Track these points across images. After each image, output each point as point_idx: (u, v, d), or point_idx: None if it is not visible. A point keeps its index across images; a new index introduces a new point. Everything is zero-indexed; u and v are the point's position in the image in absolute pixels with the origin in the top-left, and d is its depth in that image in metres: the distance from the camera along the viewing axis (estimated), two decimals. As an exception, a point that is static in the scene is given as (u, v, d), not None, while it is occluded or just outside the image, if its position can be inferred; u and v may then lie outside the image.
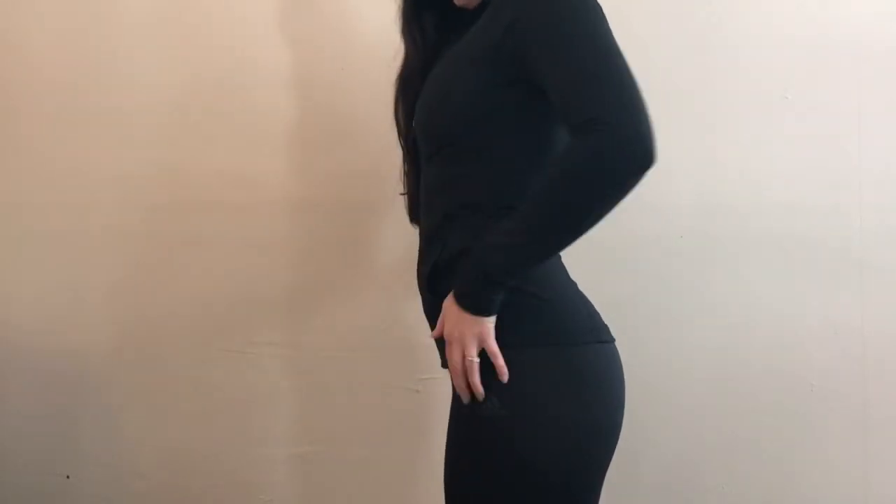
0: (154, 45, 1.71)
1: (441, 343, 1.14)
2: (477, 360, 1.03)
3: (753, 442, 1.57)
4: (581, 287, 1.13)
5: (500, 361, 1.02)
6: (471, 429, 1.06)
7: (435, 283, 1.12)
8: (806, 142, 1.55)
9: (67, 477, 1.75)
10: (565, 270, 1.13)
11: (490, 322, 1.03)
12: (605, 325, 1.11)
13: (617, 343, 1.10)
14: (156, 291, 1.72)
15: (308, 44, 1.67)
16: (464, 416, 1.08)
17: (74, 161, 1.73)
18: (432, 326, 1.17)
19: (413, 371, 1.64)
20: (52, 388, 1.75)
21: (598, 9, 1.02)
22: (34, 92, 1.74)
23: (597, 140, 0.93)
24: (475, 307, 1.02)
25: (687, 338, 1.58)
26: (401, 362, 1.64)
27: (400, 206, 1.37)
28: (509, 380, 1.02)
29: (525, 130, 1.08)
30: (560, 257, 1.13)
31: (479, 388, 1.03)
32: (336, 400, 1.68)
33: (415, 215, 1.29)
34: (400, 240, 1.64)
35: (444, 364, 1.16)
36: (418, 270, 1.18)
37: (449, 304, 1.05)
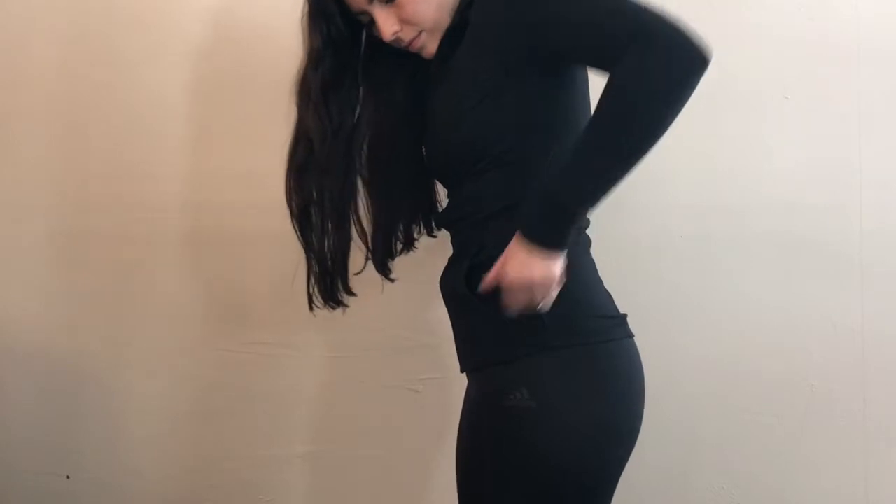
0: (154, 44, 1.71)
1: (461, 343, 1.14)
2: (546, 308, 0.99)
3: (753, 442, 1.57)
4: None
5: (553, 294, 0.99)
6: (495, 419, 1.06)
7: (474, 281, 1.09)
8: (806, 142, 1.55)
9: (67, 477, 1.75)
10: (594, 265, 1.14)
11: (560, 261, 0.98)
12: (626, 320, 1.12)
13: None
14: (155, 291, 1.72)
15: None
16: (488, 406, 1.07)
17: (74, 162, 1.73)
18: (455, 326, 1.18)
19: (413, 371, 1.64)
20: (52, 388, 1.76)
21: None
22: (33, 92, 1.74)
23: (652, 46, 0.91)
24: (548, 240, 0.97)
25: (686, 338, 1.58)
26: (401, 362, 1.64)
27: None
28: (539, 375, 1.02)
29: (550, 126, 1.07)
30: (590, 252, 1.14)
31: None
32: (336, 400, 1.68)
33: (328, 297, 1.30)
34: (400, 240, 1.64)
35: (463, 369, 1.16)
36: (448, 273, 1.18)
37: (513, 247, 0.99)
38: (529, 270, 0.98)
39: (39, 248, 1.74)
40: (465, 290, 1.10)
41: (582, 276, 1.08)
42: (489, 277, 1.02)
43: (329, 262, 1.25)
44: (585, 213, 0.99)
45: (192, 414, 1.72)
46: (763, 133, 1.56)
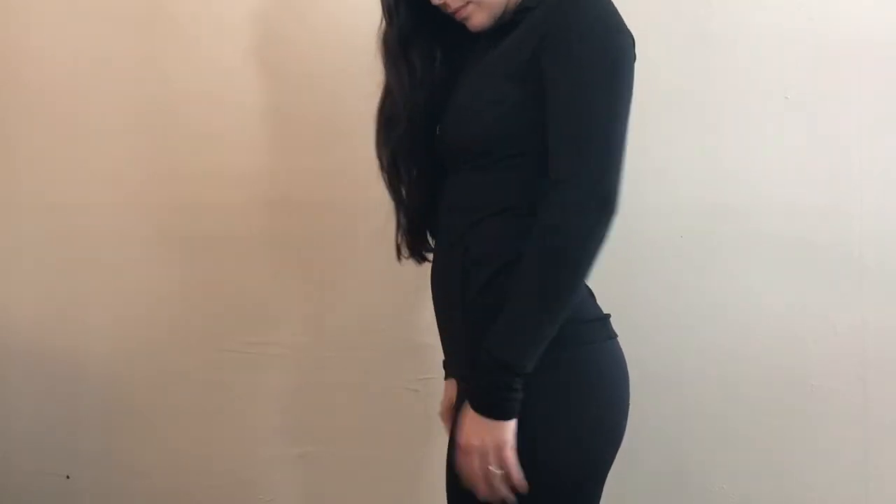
0: (153, 45, 1.71)
1: (449, 346, 1.14)
2: (500, 471, 1.01)
3: (753, 442, 1.57)
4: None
5: (518, 476, 1.01)
6: None
7: (464, 281, 1.10)
8: (806, 142, 1.55)
9: (67, 477, 1.75)
10: None
11: (510, 428, 1.00)
12: (609, 320, 1.12)
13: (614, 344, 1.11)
14: (155, 291, 1.72)
15: (306, 43, 1.67)
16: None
17: (74, 162, 1.73)
18: (441, 328, 1.18)
19: (413, 371, 1.64)
20: (52, 388, 1.75)
21: (626, 55, 1.04)
22: (33, 92, 1.74)
23: (571, 200, 0.99)
24: (496, 410, 1.00)
25: (687, 338, 1.58)
26: (401, 362, 1.64)
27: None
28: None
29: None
30: None
31: (510, 496, 1.02)
32: (336, 400, 1.68)
33: (414, 250, 1.28)
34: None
35: (449, 375, 1.16)
36: (437, 272, 1.18)
37: (466, 412, 1.03)
38: (480, 436, 1.00)
39: (39, 248, 1.74)
40: (458, 292, 1.10)
41: None
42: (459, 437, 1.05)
43: (415, 214, 1.25)
44: (530, 367, 1.00)
45: (192, 414, 1.72)
46: (763, 133, 1.56)
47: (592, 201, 0.98)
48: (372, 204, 1.64)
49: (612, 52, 1.02)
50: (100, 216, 1.72)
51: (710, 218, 1.57)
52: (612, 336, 1.12)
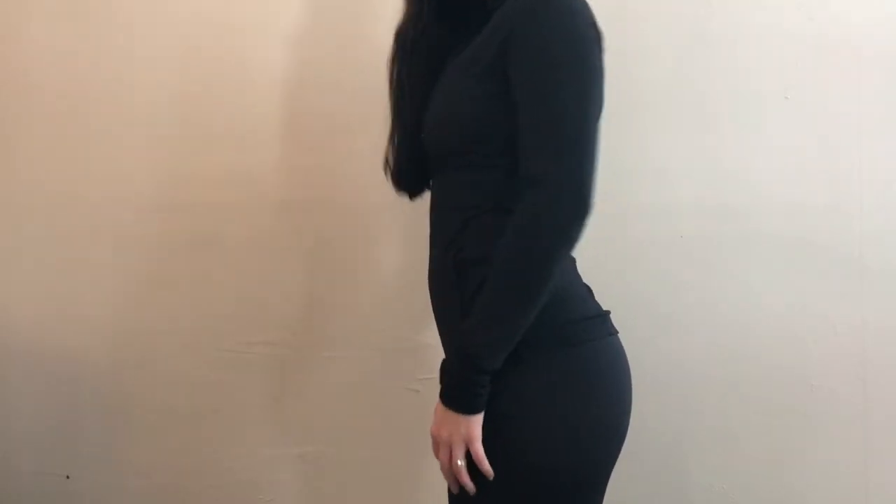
0: (153, 45, 1.71)
1: (447, 347, 1.15)
2: (463, 463, 1.02)
3: (753, 441, 1.57)
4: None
5: (485, 466, 1.01)
6: (492, 427, 1.04)
7: (461, 281, 1.09)
8: (806, 142, 1.55)
9: (67, 477, 1.75)
10: (571, 260, 1.12)
11: (477, 421, 1.01)
12: (609, 317, 1.11)
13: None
14: (155, 291, 1.72)
15: (306, 43, 1.67)
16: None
17: (74, 161, 1.73)
18: (440, 328, 1.18)
19: (413, 371, 1.64)
20: (52, 388, 1.75)
21: (593, 51, 1.02)
22: (33, 93, 1.74)
23: (544, 200, 0.97)
24: (463, 404, 1.01)
25: (687, 337, 1.58)
26: (401, 362, 1.64)
27: (400, 205, 1.36)
28: (515, 381, 1.02)
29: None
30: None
31: (471, 486, 1.03)
32: (336, 400, 1.68)
33: (402, 184, 1.27)
34: (400, 239, 1.64)
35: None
36: (434, 273, 1.18)
37: (437, 405, 1.04)
38: (448, 428, 1.02)
39: (39, 248, 1.74)
40: (453, 292, 1.10)
41: None
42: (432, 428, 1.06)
43: (407, 140, 1.23)
44: (497, 363, 1.01)
45: (192, 414, 1.71)
46: (763, 133, 1.56)
47: (566, 201, 0.97)
48: (373, 204, 1.65)
49: (580, 48, 1.01)
50: (100, 216, 1.72)
51: (710, 218, 1.57)
52: (612, 333, 1.11)
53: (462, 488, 1.05)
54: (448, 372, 1.03)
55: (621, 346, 1.11)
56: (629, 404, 1.10)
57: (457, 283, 1.09)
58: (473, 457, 1.01)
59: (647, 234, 1.57)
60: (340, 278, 1.68)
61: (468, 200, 1.10)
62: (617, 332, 1.11)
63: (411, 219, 1.19)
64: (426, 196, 1.26)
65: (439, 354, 1.26)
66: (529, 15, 1.01)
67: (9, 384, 1.76)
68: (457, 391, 1.01)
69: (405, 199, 1.32)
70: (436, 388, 1.05)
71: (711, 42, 1.57)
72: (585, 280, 1.13)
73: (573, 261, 1.12)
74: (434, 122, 1.15)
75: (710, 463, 1.58)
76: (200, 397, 1.71)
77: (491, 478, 1.02)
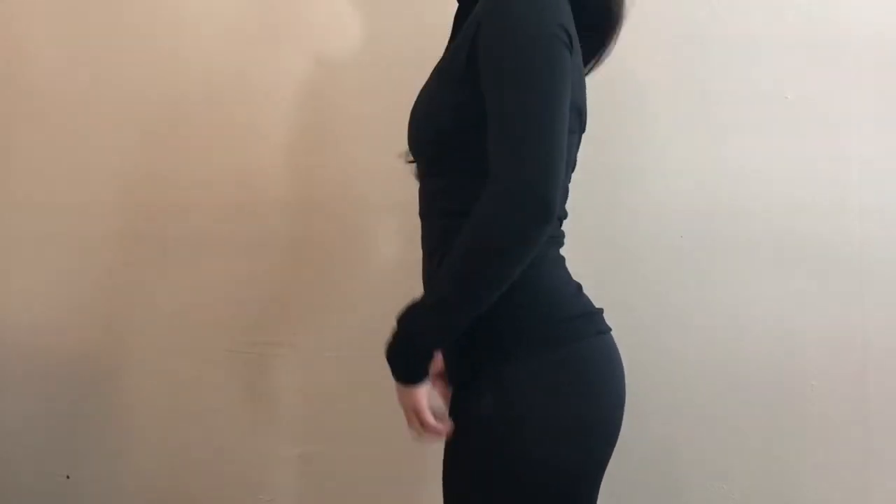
0: (152, 46, 1.71)
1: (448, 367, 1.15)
2: (421, 432, 1.07)
3: (753, 441, 1.57)
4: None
5: (435, 429, 1.05)
6: (468, 431, 1.05)
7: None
8: (806, 142, 1.55)
9: (67, 477, 1.75)
10: (559, 262, 1.12)
11: (420, 391, 1.05)
12: (601, 314, 1.11)
13: (616, 343, 1.10)
14: (155, 291, 1.72)
15: (307, 45, 1.67)
16: (461, 418, 1.07)
17: (74, 161, 1.73)
18: None
19: (413, 371, 1.64)
20: (52, 388, 1.75)
21: (560, 51, 0.98)
22: (33, 93, 1.74)
23: (501, 197, 0.94)
24: (403, 375, 1.05)
25: (686, 337, 1.58)
26: (401, 362, 1.64)
27: (401, 206, 1.36)
28: (505, 382, 1.02)
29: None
30: (557, 252, 1.12)
31: (444, 436, 1.07)
32: (336, 400, 1.68)
33: None
34: (399, 239, 1.64)
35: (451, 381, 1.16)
36: (425, 279, 1.18)
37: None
38: (402, 400, 1.07)
39: (39, 248, 1.74)
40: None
41: (537, 282, 1.05)
42: None
43: None
44: (438, 346, 1.04)
45: (192, 414, 1.72)
46: (763, 133, 1.56)
47: (526, 203, 0.93)
48: (373, 204, 1.65)
49: (544, 47, 0.97)
50: (100, 216, 1.72)
51: (710, 218, 1.57)
52: (603, 331, 1.09)
53: (453, 472, 1.07)
54: (390, 345, 1.05)
55: (613, 344, 1.09)
56: (622, 402, 1.08)
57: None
58: (423, 423, 1.06)
59: (647, 234, 1.57)
60: (340, 278, 1.68)
61: (446, 208, 1.09)
62: (608, 330, 1.10)
63: (411, 219, 1.19)
64: None
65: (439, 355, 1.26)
66: (493, 14, 0.99)
67: (9, 384, 1.76)
68: (398, 363, 1.05)
69: (405, 200, 1.31)
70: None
71: (711, 42, 1.57)
72: (585, 279, 1.13)
73: (562, 259, 1.12)
74: (411, 130, 1.14)
75: (710, 463, 1.58)
76: (201, 397, 1.71)
77: (442, 436, 1.06)
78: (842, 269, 1.54)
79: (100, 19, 1.72)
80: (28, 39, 1.74)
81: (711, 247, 1.57)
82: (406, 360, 1.04)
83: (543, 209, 0.93)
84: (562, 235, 1.14)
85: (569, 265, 1.13)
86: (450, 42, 1.21)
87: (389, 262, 1.65)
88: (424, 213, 1.16)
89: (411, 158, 1.20)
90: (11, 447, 1.77)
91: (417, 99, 1.15)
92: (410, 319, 1.03)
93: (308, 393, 1.69)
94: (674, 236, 1.58)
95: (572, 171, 1.16)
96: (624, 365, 1.09)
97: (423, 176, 1.16)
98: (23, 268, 1.75)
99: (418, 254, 1.34)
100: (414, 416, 1.06)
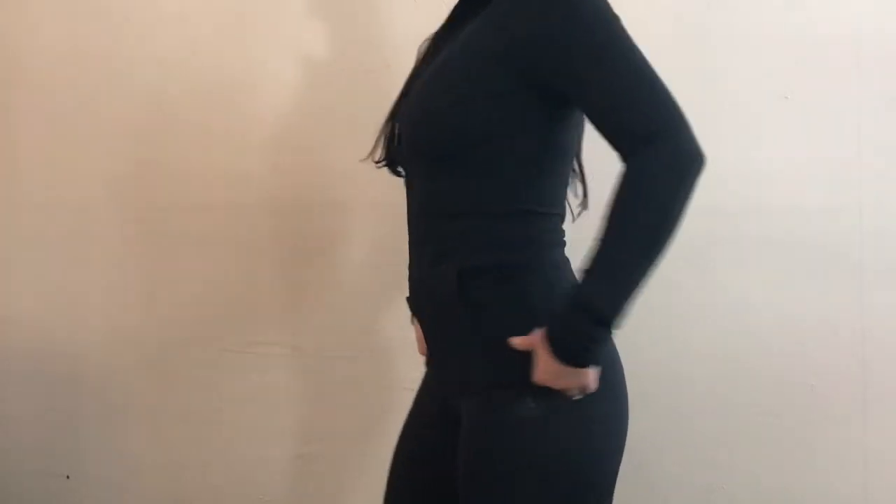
0: (152, 46, 1.71)
1: (444, 359, 1.14)
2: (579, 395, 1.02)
3: (753, 442, 1.57)
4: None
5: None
6: (504, 433, 1.05)
7: (465, 292, 1.06)
8: (806, 142, 1.55)
9: (67, 477, 1.75)
10: (569, 261, 1.13)
11: (592, 372, 1.01)
12: None
13: (616, 342, 1.11)
14: (155, 292, 1.72)
15: (304, 45, 1.67)
16: (494, 422, 1.06)
17: (74, 161, 1.73)
18: (434, 339, 1.16)
19: (413, 371, 1.64)
20: (52, 388, 1.76)
21: (616, 17, 1.01)
22: (33, 93, 1.74)
23: (666, 152, 0.97)
24: (579, 358, 0.99)
25: (686, 338, 1.58)
26: (401, 362, 1.64)
27: (401, 206, 1.36)
28: (536, 386, 1.02)
29: (535, 136, 1.05)
30: (562, 253, 1.13)
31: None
32: (336, 400, 1.68)
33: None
34: (401, 240, 1.64)
35: (448, 389, 1.15)
36: (421, 283, 1.13)
37: (545, 357, 1.00)
38: (565, 381, 1.00)
39: (39, 247, 1.74)
40: (459, 305, 1.07)
41: (559, 287, 1.07)
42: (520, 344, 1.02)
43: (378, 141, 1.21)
44: (620, 320, 0.99)
45: (191, 414, 1.72)
46: (763, 133, 1.56)
47: (686, 150, 0.98)
48: (373, 204, 1.65)
49: (615, 22, 1.01)
50: (100, 216, 1.72)
51: (709, 218, 1.57)
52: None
53: (495, 486, 1.05)
54: (563, 327, 0.99)
55: (615, 350, 1.11)
56: (628, 398, 1.11)
57: (460, 293, 1.06)
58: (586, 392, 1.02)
59: (647, 234, 1.57)
60: (340, 279, 1.68)
61: (465, 208, 1.07)
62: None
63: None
64: None
65: (439, 354, 1.26)
66: (552, 18, 0.99)
67: (9, 384, 1.77)
68: (575, 346, 0.99)
69: (405, 200, 1.31)
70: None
71: (710, 42, 1.57)
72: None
73: (567, 260, 1.12)
74: (422, 122, 1.08)
75: (710, 462, 1.58)
76: (201, 397, 1.71)
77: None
78: (842, 269, 1.54)
79: (101, 19, 1.72)
80: (28, 40, 1.74)
81: (711, 247, 1.57)
82: (588, 343, 0.98)
83: (701, 154, 0.99)
84: (563, 234, 1.14)
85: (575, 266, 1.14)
86: (438, 39, 1.18)
87: (390, 262, 1.65)
88: (425, 214, 1.12)
89: (382, 161, 1.18)
90: (12, 447, 1.77)
91: (426, 98, 1.08)
92: (599, 297, 0.98)
93: (308, 393, 1.69)
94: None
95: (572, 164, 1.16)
96: (624, 364, 1.10)
97: (425, 176, 1.11)
98: (23, 268, 1.75)
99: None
100: (579, 390, 1.01)
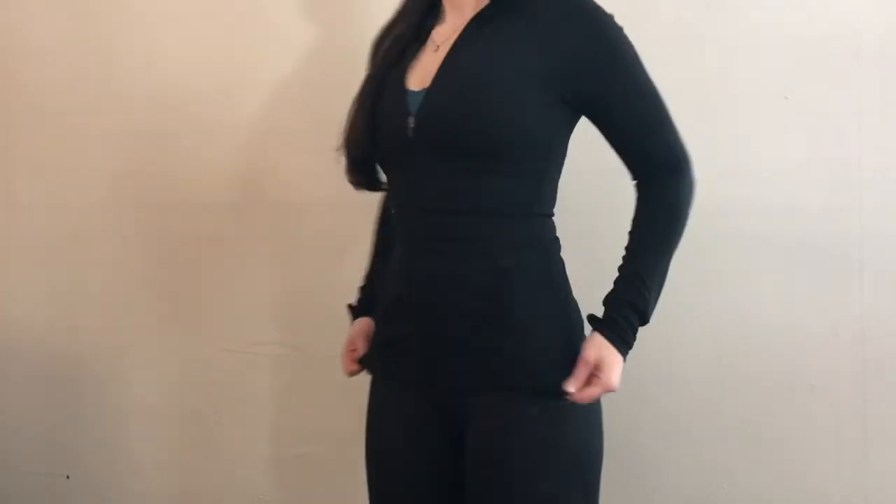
0: (152, 46, 1.71)
1: (444, 364, 1.14)
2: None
3: (753, 442, 1.57)
4: (580, 287, 1.15)
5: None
6: (518, 431, 1.09)
7: (496, 291, 1.09)
8: (806, 142, 1.55)
9: (67, 477, 1.75)
10: (561, 267, 1.18)
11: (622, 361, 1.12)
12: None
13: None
14: (155, 291, 1.72)
15: (305, 45, 1.67)
16: (507, 421, 1.09)
17: (74, 162, 1.73)
18: (430, 342, 1.15)
19: (413, 371, 1.64)
20: (52, 388, 1.76)
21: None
22: (33, 93, 1.75)
23: (689, 176, 1.17)
24: (624, 346, 1.11)
25: (686, 338, 1.58)
26: (401, 362, 1.64)
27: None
28: (551, 385, 1.07)
29: (562, 144, 1.15)
30: (559, 255, 1.17)
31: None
32: (336, 400, 1.68)
33: (368, 182, 1.27)
34: (400, 240, 1.64)
35: (469, 384, 1.15)
36: (443, 280, 1.11)
37: (614, 357, 1.10)
38: (609, 361, 1.10)
39: (40, 248, 1.74)
40: (482, 304, 1.09)
41: (566, 289, 1.16)
42: (583, 362, 1.10)
43: (360, 138, 1.22)
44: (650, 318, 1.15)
45: (191, 414, 1.72)
46: (763, 133, 1.56)
47: (693, 182, 1.18)
48: (373, 204, 1.65)
49: (631, 44, 1.14)
50: (100, 216, 1.72)
51: (709, 218, 1.56)
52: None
53: (509, 486, 1.09)
54: (618, 317, 1.11)
55: None
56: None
57: (492, 292, 1.08)
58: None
59: (647, 234, 1.57)
60: (340, 278, 1.68)
61: (500, 207, 1.10)
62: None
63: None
64: None
65: (439, 354, 1.26)
66: (601, 34, 1.10)
67: (9, 384, 1.77)
68: (629, 338, 1.12)
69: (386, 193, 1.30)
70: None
71: (710, 42, 1.57)
72: (585, 279, 1.14)
73: (562, 261, 1.17)
74: (480, 116, 1.06)
75: (710, 462, 1.58)
76: (201, 397, 1.71)
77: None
78: (841, 269, 1.54)
79: (101, 19, 1.72)
80: (27, 41, 1.74)
81: (711, 246, 1.57)
82: (633, 336, 1.13)
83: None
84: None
85: (568, 265, 1.16)
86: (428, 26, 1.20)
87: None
88: (447, 210, 1.10)
89: (362, 152, 1.20)
90: (11, 447, 1.77)
91: (479, 91, 1.07)
92: (643, 301, 1.12)
93: (308, 393, 1.69)
94: (673, 236, 1.58)
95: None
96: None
97: (447, 172, 1.09)
98: (23, 268, 1.75)
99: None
100: (613, 379, 1.09)
